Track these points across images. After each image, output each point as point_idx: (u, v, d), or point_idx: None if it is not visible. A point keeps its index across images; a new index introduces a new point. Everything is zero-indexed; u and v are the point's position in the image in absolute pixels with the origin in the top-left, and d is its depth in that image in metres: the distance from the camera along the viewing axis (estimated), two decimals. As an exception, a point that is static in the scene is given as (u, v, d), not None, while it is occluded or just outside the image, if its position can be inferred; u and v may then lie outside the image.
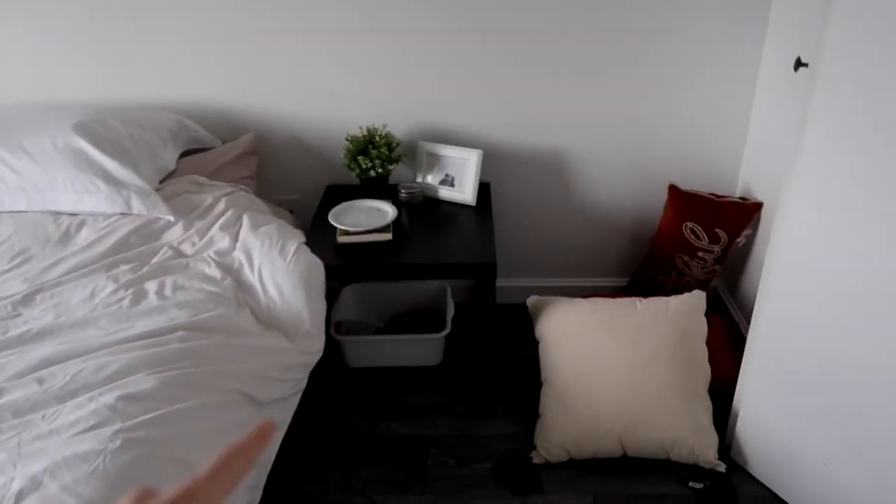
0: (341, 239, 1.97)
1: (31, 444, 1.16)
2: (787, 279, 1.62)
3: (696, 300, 2.00)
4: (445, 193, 2.25)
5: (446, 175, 2.25)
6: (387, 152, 2.15)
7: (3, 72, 2.22)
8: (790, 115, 1.89)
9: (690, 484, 1.83)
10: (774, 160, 2.08)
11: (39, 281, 1.64)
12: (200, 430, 1.27)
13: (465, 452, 1.98)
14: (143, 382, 1.29)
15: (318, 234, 2.01)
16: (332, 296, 1.94)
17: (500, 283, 2.49)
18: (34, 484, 1.08)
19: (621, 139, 2.33)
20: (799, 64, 1.65)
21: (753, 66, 2.18)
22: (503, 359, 2.33)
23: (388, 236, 1.98)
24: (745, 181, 2.34)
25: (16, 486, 1.08)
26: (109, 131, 1.96)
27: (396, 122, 2.28)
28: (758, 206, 2.18)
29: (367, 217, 2.05)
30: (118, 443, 1.15)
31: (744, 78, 2.21)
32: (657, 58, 2.18)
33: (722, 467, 1.84)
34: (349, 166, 2.17)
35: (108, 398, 1.24)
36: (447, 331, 2.15)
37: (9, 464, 1.12)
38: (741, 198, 2.25)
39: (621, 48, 2.17)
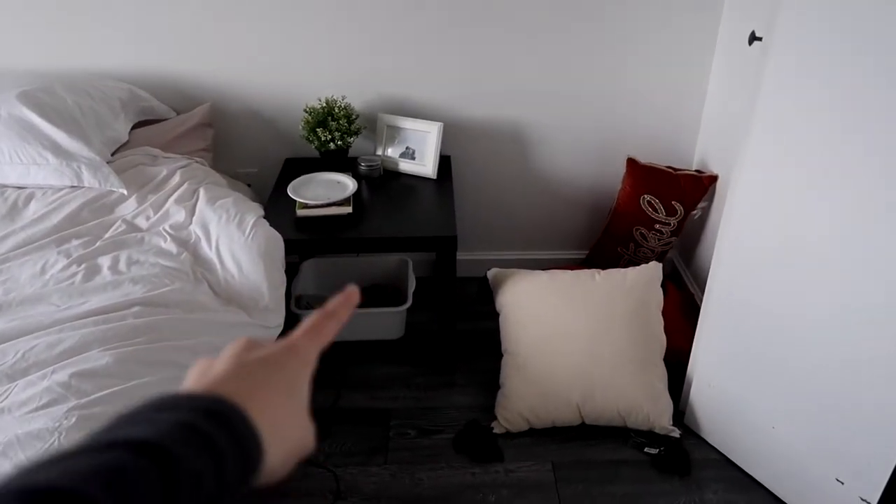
0: (300, 212, 1.95)
1: (-18, 423, 1.14)
2: (738, 249, 1.66)
3: (652, 272, 2.04)
4: (406, 166, 2.24)
5: (407, 148, 2.23)
6: (346, 124, 2.13)
7: (-58, 38, 2.12)
8: (745, 90, 1.92)
9: (646, 450, 1.88)
10: (730, 134, 2.12)
11: (-14, 256, 1.59)
12: (158, 406, 1.26)
13: (426, 423, 2.00)
14: (97, 359, 1.27)
15: (277, 208, 1.99)
16: (291, 270, 1.92)
17: (461, 256, 2.49)
18: (-15, 463, 1.06)
19: (581, 113, 2.34)
20: (753, 38, 1.68)
21: (711, 40, 2.21)
22: (464, 331, 2.34)
23: (347, 209, 1.97)
24: (701, 154, 2.38)
25: (-34, 466, 1.06)
26: (57, 101, 1.90)
27: (356, 93, 2.25)
28: (713, 179, 2.22)
29: (326, 190, 2.03)
30: (73, 420, 1.13)
31: (701, 52, 2.23)
32: (617, 33, 2.19)
33: (676, 433, 1.90)
34: (308, 138, 2.14)
35: (62, 375, 1.22)
36: (408, 304, 2.16)
37: (-42, 443, 1.10)
38: (697, 171, 2.29)
39: (581, 22, 2.17)
